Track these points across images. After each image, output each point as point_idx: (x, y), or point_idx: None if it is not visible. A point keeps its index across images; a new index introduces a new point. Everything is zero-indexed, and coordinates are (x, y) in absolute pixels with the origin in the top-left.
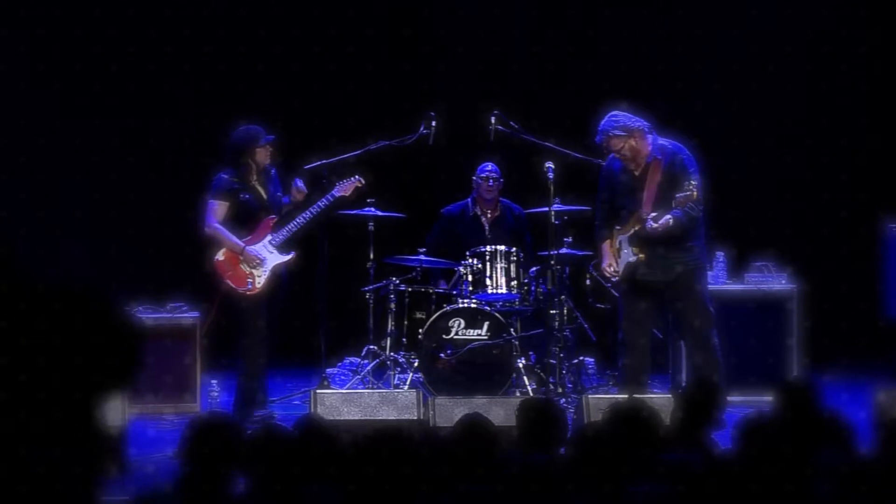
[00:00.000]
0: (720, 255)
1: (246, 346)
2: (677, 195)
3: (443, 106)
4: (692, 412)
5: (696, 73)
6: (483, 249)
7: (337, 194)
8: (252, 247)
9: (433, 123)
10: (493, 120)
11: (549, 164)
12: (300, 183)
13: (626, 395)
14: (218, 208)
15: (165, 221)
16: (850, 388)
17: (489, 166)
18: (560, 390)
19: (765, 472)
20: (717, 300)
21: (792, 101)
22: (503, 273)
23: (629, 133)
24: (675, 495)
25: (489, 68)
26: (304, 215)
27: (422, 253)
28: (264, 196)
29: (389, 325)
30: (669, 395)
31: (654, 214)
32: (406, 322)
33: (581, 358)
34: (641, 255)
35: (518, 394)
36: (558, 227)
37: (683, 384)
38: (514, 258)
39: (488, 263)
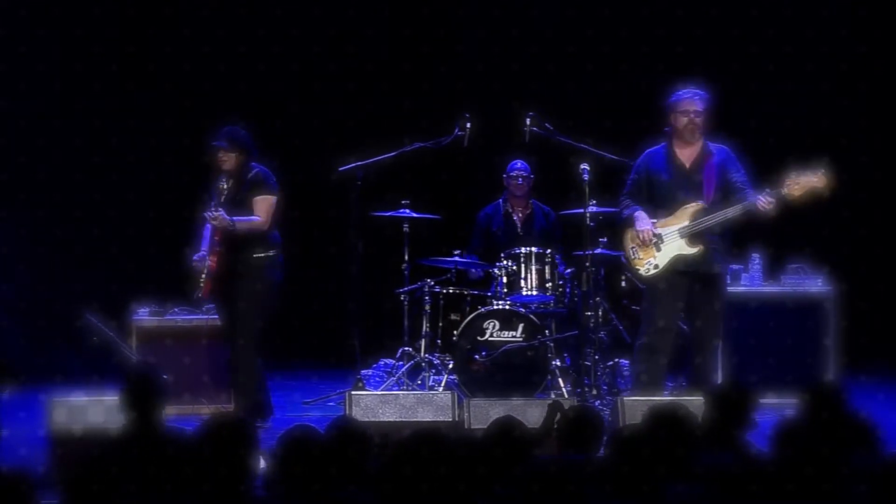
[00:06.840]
0: (756, 257)
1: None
2: (790, 181)
3: (442, 106)
4: (726, 413)
5: (696, 72)
6: (518, 251)
7: None
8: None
9: (468, 125)
10: (527, 122)
11: (585, 166)
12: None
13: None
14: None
15: (165, 221)
16: (886, 389)
17: (518, 164)
18: (595, 392)
19: (795, 474)
20: (754, 302)
21: (792, 101)
22: (538, 275)
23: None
24: (710, 496)
25: (489, 68)
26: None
27: (457, 255)
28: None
29: (424, 327)
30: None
31: (767, 191)
32: (441, 324)
33: (616, 360)
34: (701, 247)
35: (553, 395)
36: (593, 228)
37: (717, 384)
38: (549, 259)
39: (523, 265)
